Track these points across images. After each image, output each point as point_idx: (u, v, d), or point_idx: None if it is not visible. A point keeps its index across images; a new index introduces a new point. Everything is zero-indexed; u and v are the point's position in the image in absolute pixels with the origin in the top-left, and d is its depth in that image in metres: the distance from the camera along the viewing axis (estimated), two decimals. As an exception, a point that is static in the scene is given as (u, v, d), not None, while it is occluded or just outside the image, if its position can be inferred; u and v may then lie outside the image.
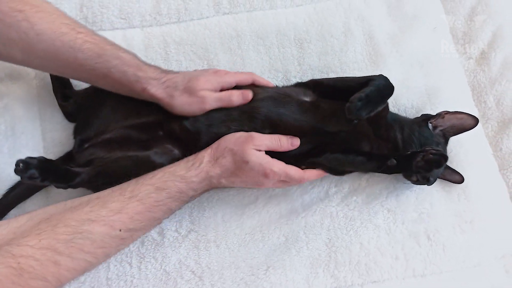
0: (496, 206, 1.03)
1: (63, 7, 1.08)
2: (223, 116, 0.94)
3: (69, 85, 1.03)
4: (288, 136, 0.93)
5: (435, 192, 1.02)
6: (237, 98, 0.93)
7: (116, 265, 0.96)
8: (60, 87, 1.02)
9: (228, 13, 1.13)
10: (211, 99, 0.92)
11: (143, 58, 1.03)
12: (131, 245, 0.97)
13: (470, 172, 1.02)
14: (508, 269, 0.98)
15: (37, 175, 0.85)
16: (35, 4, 0.83)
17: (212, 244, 0.98)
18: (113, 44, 0.91)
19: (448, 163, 0.95)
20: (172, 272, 0.96)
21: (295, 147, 0.93)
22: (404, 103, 1.07)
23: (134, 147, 0.95)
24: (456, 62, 1.12)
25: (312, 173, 0.95)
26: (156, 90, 0.90)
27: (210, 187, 0.91)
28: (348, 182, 1.03)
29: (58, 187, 0.92)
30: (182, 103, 0.92)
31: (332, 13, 1.12)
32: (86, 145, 0.97)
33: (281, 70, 1.10)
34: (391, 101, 1.03)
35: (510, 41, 1.10)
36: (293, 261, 0.97)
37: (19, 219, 0.80)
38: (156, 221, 0.87)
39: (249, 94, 0.94)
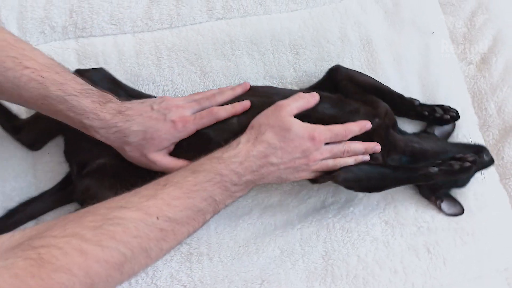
0: (497, 217, 1.02)
1: (52, 12, 1.06)
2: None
3: (13, 117, 0.99)
4: (309, 93, 0.92)
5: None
6: None
7: None
8: (6, 122, 0.99)
9: (221, 18, 1.11)
10: (159, 167, 0.89)
11: (134, 65, 1.06)
12: None
13: (470, 182, 1.01)
14: (511, 282, 0.97)
15: None
16: None
17: (205, 257, 0.97)
18: (61, 84, 0.83)
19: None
20: (163, 287, 0.94)
21: (317, 98, 0.91)
22: None
23: (133, 177, 0.90)
24: (455, 68, 1.12)
25: (353, 125, 0.91)
26: (106, 139, 0.86)
27: (257, 176, 0.84)
28: (345, 192, 1.02)
29: None
30: (132, 158, 0.89)
31: (328, 18, 1.11)
32: (85, 171, 0.95)
33: (276, 77, 1.09)
34: None
35: (511, 46, 1.09)
36: (289, 275, 0.96)
37: (46, 223, 0.70)
38: (200, 213, 0.76)
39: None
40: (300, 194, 1.03)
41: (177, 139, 0.89)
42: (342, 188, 1.00)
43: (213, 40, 1.08)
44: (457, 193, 1.01)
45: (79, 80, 0.85)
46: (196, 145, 0.89)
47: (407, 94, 1.05)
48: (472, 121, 1.09)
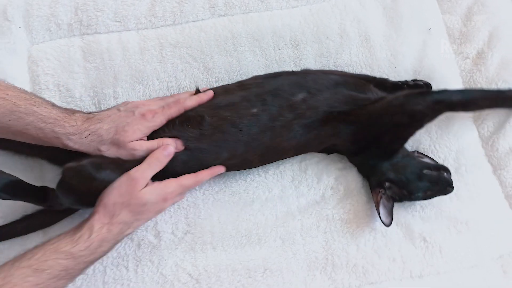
0: (491, 207, 1.04)
1: (57, 10, 1.08)
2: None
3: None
4: (161, 148, 0.90)
5: None
6: (168, 152, 0.90)
7: (112, 269, 0.98)
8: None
9: (223, 15, 1.12)
10: (142, 151, 0.89)
11: (139, 61, 1.07)
12: (127, 248, 0.99)
13: (463, 173, 1.04)
14: (506, 269, 1.00)
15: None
16: None
17: (208, 246, 1.00)
18: (29, 99, 0.85)
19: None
20: (169, 275, 0.98)
21: (179, 150, 0.91)
22: None
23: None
24: (451, 63, 1.12)
25: (204, 173, 0.93)
26: (80, 146, 0.86)
27: (112, 245, 0.86)
28: (344, 184, 1.04)
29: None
30: (112, 155, 0.89)
31: (327, 15, 1.12)
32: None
33: (277, 71, 1.09)
34: None
35: (507, 41, 1.10)
36: (290, 264, 0.99)
37: None
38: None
39: (180, 144, 0.91)
40: (300, 187, 1.05)
41: (149, 130, 0.90)
42: (341, 181, 1.04)
43: (216, 36, 1.10)
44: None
45: (45, 99, 0.88)
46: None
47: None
48: (467, 114, 1.08)
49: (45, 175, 1.02)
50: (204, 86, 1.06)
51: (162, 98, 0.97)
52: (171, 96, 0.98)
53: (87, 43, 1.09)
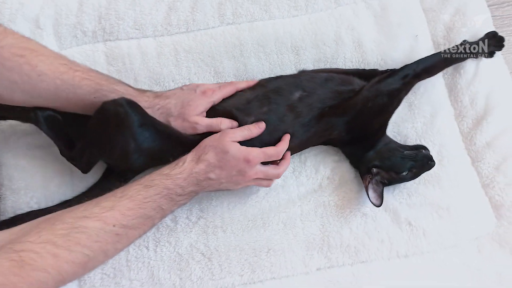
0: (469, 194, 1.10)
1: (83, 19, 1.14)
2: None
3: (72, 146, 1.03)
4: (254, 123, 1.00)
5: (412, 184, 1.09)
6: (225, 126, 0.99)
7: (135, 249, 1.04)
8: (66, 150, 1.02)
9: (231, 24, 1.18)
10: (203, 126, 0.98)
11: (156, 65, 1.13)
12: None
13: (445, 164, 1.10)
14: (481, 249, 1.07)
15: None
16: (34, 49, 0.88)
17: (219, 230, 1.06)
18: (108, 79, 0.95)
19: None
20: (184, 254, 1.04)
21: (263, 129, 1.00)
22: None
23: None
24: None
25: (282, 144, 1.01)
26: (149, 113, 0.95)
27: (199, 188, 0.93)
28: (339, 175, 1.11)
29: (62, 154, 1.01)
30: (177, 126, 0.98)
31: (324, 23, 1.18)
32: None
33: (280, 74, 1.14)
34: None
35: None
36: (291, 244, 1.06)
37: (21, 226, 0.80)
38: (149, 220, 0.86)
39: (233, 123, 1.00)
40: (300, 177, 1.12)
41: (209, 104, 1.01)
42: (337, 171, 1.11)
43: (225, 43, 1.16)
44: (432, 175, 1.09)
45: (120, 80, 0.99)
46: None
47: None
48: (449, 112, 1.15)
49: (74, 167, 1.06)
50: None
51: (217, 83, 1.08)
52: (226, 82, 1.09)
53: (110, 48, 1.15)
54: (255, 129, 0.99)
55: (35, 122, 0.97)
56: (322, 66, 1.17)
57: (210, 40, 1.17)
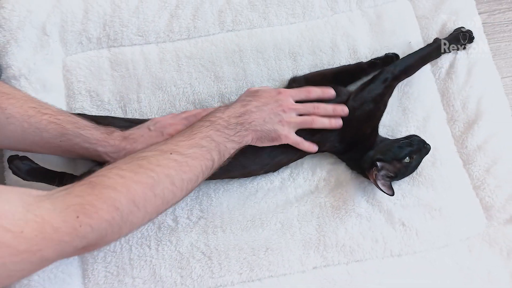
0: (460, 196, 1.12)
1: (88, 26, 1.17)
2: None
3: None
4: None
5: (406, 185, 1.12)
6: None
7: (137, 248, 1.07)
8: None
9: (231, 30, 1.21)
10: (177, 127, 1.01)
11: (159, 71, 1.15)
12: (149, 230, 1.08)
13: (438, 166, 1.12)
14: (471, 249, 1.08)
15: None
16: (6, 92, 0.91)
17: (219, 229, 1.09)
18: (76, 123, 0.96)
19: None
20: (185, 253, 1.07)
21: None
22: None
23: None
24: (428, 72, 1.20)
25: (315, 88, 1.06)
26: (114, 160, 0.92)
27: (243, 120, 0.95)
28: (335, 177, 1.13)
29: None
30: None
31: (321, 30, 1.20)
32: None
33: (278, 80, 1.18)
34: None
35: (473, 55, 1.19)
36: (288, 244, 1.08)
37: None
38: (204, 150, 0.87)
39: None
40: (297, 179, 1.14)
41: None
42: (333, 173, 1.13)
43: (225, 49, 1.18)
44: (425, 177, 1.12)
45: (87, 120, 0.99)
46: None
47: None
48: (441, 116, 1.17)
49: (80, 171, 1.10)
50: (216, 93, 1.16)
51: (185, 118, 1.05)
52: (193, 115, 1.05)
53: (114, 54, 1.18)
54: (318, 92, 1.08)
55: (16, 174, 1.02)
56: (319, 71, 1.19)
57: (211, 46, 1.19)
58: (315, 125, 1.04)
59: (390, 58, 1.17)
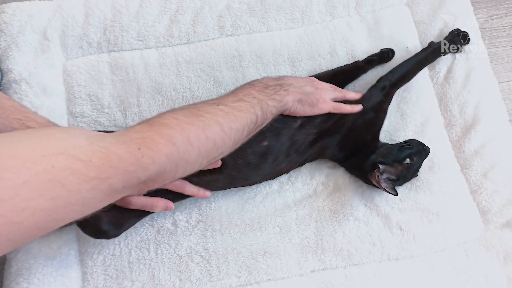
0: (458, 200, 1.13)
1: (89, 31, 1.18)
2: None
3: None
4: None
5: (404, 189, 1.12)
6: (161, 207, 1.00)
7: (136, 251, 1.08)
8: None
9: (230, 35, 1.22)
10: (135, 204, 0.99)
11: (158, 75, 1.16)
12: (149, 234, 1.08)
13: (436, 170, 1.13)
14: (468, 253, 1.09)
15: None
16: None
17: (217, 233, 1.09)
18: None
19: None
20: (184, 257, 1.08)
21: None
22: None
23: None
24: (425, 77, 1.21)
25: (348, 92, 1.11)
26: None
27: (281, 82, 0.99)
28: (333, 181, 1.14)
29: None
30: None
31: (320, 35, 1.22)
32: None
33: None
34: None
35: (471, 59, 1.20)
36: (286, 247, 1.09)
37: None
38: (249, 105, 0.89)
39: (172, 206, 1.02)
40: (296, 183, 1.14)
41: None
42: (331, 178, 1.13)
43: (224, 54, 1.20)
44: (423, 181, 1.13)
45: None
46: None
47: None
48: (439, 121, 1.18)
49: None
50: (215, 97, 1.13)
51: None
52: None
53: (114, 59, 1.19)
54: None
55: None
56: (317, 77, 1.20)
57: (210, 51, 1.21)
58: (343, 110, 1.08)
59: (386, 54, 1.18)
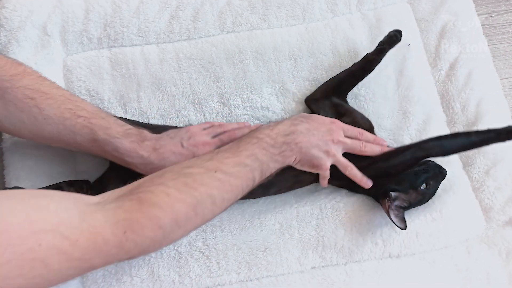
0: (460, 197, 1.12)
1: (89, 26, 1.18)
2: None
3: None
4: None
5: None
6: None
7: None
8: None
9: (231, 32, 1.21)
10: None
11: (159, 71, 1.16)
12: None
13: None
14: (470, 250, 1.08)
15: None
16: (45, 92, 0.92)
17: (217, 229, 1.09)
18: (107, 128, 0.96)
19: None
20: (183, 252, 1.07)
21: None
22: (382, 112, 1.17)
23: None
24: (427, 74, 1.21)
25: (369, 134, 1.06)
26: (145, 172, 0.97)
27: (289, 139, 0.93)
28: None
29: None
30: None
31: (321, 33, 1.21)
32: None
33: (278, 81, 1.18)
34: (372, 110, 1.17)
35: (472, 56, 1.20)
36: (287, 244, 1.08)
37: (134, 182, 0.83)
38: (247, 170, 0.87)
39: None
40: None
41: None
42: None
43: (225, 50, 1.19)
44: None
45: (120, 122, 0.99)
46: None
47: (385, 95, 1.17)
48: (441, 118, 1.17)
49: (79, 167, 1.12)
50: (215, 93, 1.16)
51: (220, 139, 1.04)
52: (228, 134, 1.06)
53: (114, 54, 1.19)
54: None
55: None
56: (318, 73, 1.19)
57: (211, 47, 1.20)
58: (363, 153, 1.05)
59: (395, 37, 1.13)
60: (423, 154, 1.02)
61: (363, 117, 1.13)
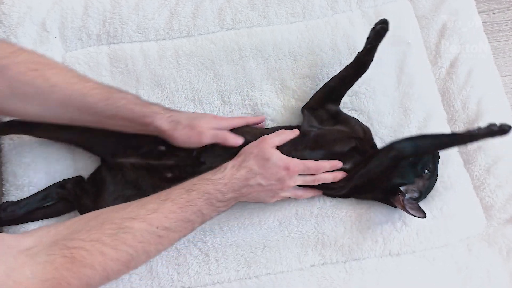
0: (461, 195, 1.12)
1: (88, 23, 1.18)
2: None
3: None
4: (290, 131, 1.04)
5: None
6: (232, 139, 1.01)
7: None
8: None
9: (231, 29, 1.21)
10: (209, 134, 1.00)
11: (158, 67, 1.16)
12: None
13: (440, 166, 1.10)
14: (471, 248, 1.08)
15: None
16: (47, 63, 0.92)
17: (216, 226, 1.08)
18: (119, 90, 0.99)
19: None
20: (182, 250, 1.07)
21: (297, 134, 1.03)
22: (382, 109, 1.17)
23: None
24: (428, 71, 1.21)
25: (324, 163, 1.00)
26: (162, 123, 0.97)
27: (238, 194, 0.93)
28: None
29: None
30: (182, 135, 0.99)
31: (321, 31, 1.20)
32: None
33: (278, 79, 1.18)
34: (372, 108, 1.16)
35: (473, 54, 1.20)
36: (286, 242, 1.08)
37: (73, 219, 0.84)
38: (189, 224, 0.88)
39: (239, 140, 1.02)
40: None
41: (218, 126, 1.02)
42: None
43: (224, 47, 1.19)
44: None
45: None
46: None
47: (385, 92, 1.17)
48: (442, 116, 1.17)
49: (77, 164, 1.12)
50: (215, 90, 1.16)
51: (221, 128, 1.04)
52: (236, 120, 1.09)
53: (113, 51, 1.18)
54: (291, 133, 1.04)
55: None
56: (318, 71, 1.18)
57: (210, 44, 1.20)
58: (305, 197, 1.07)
59: (382, 30, 1.05)
60: (396, 154, 0.99)
61: (359, 124, 1.13)
